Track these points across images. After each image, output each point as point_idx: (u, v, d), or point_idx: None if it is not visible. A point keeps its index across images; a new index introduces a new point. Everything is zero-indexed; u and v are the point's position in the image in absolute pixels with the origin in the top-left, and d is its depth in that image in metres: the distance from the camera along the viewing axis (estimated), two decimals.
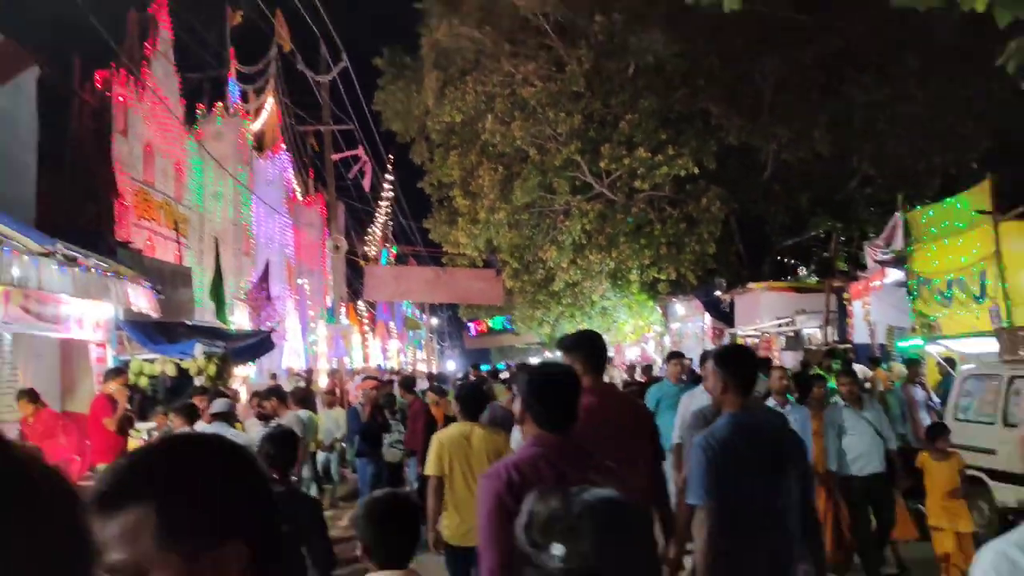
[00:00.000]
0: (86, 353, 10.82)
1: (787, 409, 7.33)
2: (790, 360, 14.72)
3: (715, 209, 19.26)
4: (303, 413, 10.32)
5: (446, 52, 21.60)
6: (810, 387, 8.43)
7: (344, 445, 12.74)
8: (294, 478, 9.37)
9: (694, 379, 8.87)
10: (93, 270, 9.27)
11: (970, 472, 7.48)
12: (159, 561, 1.17)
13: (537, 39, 20.58)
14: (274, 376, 16.52)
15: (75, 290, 8.95)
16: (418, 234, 37.01)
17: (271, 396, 9.89)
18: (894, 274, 13.35)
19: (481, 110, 20.68)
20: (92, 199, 13.94)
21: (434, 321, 59.72)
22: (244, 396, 13.33)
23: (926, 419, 9.77)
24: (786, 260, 23.53)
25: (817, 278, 20.21)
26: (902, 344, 12.73)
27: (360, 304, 34.50)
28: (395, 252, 40.87)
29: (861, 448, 7.36)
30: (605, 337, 22.54)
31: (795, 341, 16.95)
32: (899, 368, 11.32)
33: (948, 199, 12.28)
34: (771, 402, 7.40)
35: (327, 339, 25.57)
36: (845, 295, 16.10)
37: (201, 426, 7.40)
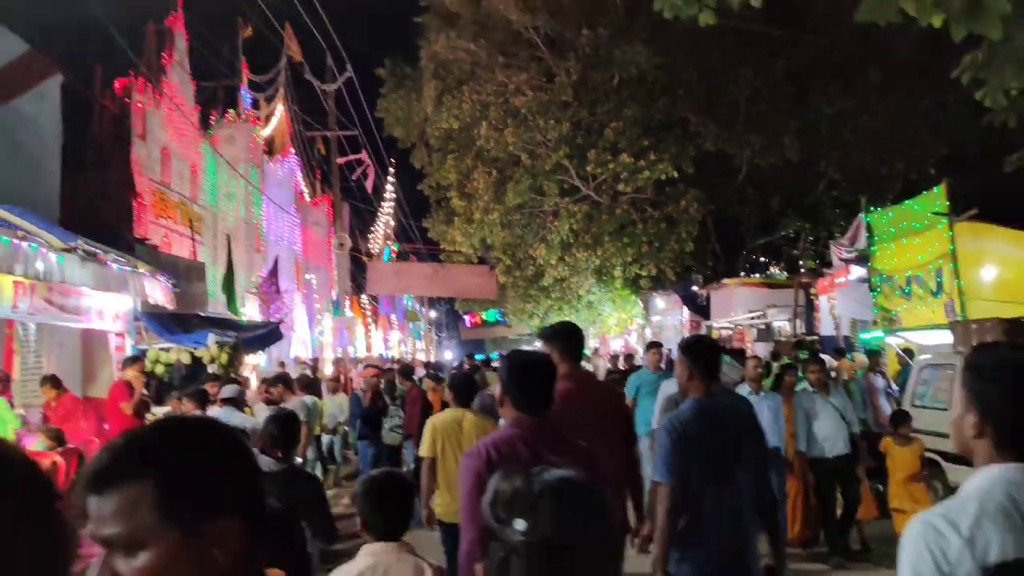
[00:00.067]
0: (106, 342, 10.77)
1: (761, 396, 7.33)
2: (761, 351, 14.73)
3: (693, 210, 19.31)
4: (308, 399, 10.29)
5: (444, 63, 21.56)
6: (782, 376, 8.45)
7: (347, 429, 12.71)
8: (299, 459, 9.37)
9: (672, 367, 8.87)
10: (112, 265, 9.24)
11: (927, 455, 7.50)
12: (158, 534, 1.16)
13: (528, 52, 20.56)
14: (282, 364, 16.48)
15: (95, 283, 8.93)
16: (418, 233, 36.94)
17: (278, 383, 9.86)
18: (857, 271, 13.36)
19: (476, 117, 20.64)
20: (112, 199, 13.88)
21: (432, 314, 59.70)
22: (254, 383, 13.29)
23: (886, 406, 9.79)
24: (758, 258, 23.57)
25: (787, 275, 20.24)
26: (864, 336, 12.76)
27: (363, 298, 34.41)
28: (396, 249, 40.76)
29: (827, 432, 7.37)
30: (591, 329, 22.84)
31: (766, 333, 16.98)
32: (861, 358, 11.33)
33: (907, 202, 12.28)
34: (746, 389, 7.41)
35: (332, 330, 25.58)
36: (812, 290, 16.12)
37: (212, 410, 7.37)
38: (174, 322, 11.76)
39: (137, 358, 9.73)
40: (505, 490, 1.34)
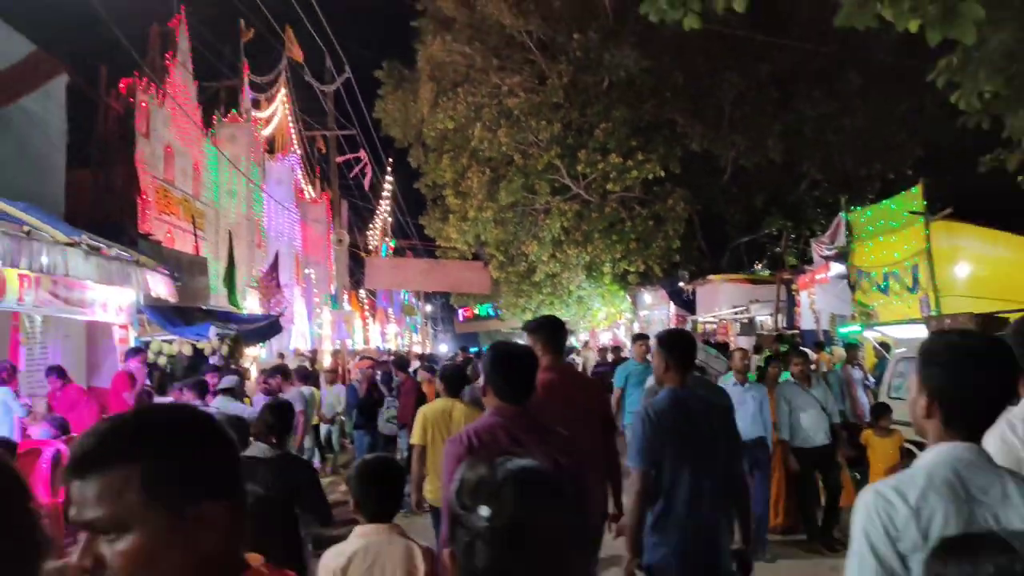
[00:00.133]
0: (110, 334, 10.73)
1: (746, 387, 7.33)
2: (744, 344, 14.75)
3: (680, 209, 19.36)
4: (305, 389, 10.28)
5: (440, 66, 21.51)
6: (766, 368, 8.47)
7: (344, 419, 12.70)
8: (301, 446, 9.36)
9: None
10: (115, 259, 9.19)
11: (905, 446, 7.50)
12: (143, 517, 1.14)
13: (521, 55, 20.53)
14: (282, 356, 16.44)
15: (99, 277, 8.88)
16: (414, 229, 36.91)
17: (276, 374, 9.84)
18: (837, 268, 13.37)
19: (471, 118, 20.61)
20: (116, 195, 13.81)
21: (428, 308, 59.61)
22: (254, 374, 13.27)
23: (863, 397, 9.81)
24: (743, 255, 23.61)
25: (769, 271, 20.25)
26: (843, 330, 12.77)
27: (361, 292, 34.39)
28: (393, 245, 40.73)
29: (809, 423, 7.38)
30: (581, 323, 22.80)
31: (749, 327, 16.99)
32: (840, 351, 11.35)
33: (885, 201, 12.30)
34: (731, 380, 7.41)
35: (331, 323, 25.54)
36: (794, 286, 16.15)
37: (211, 400, 7.35)
38: (176, 315, 11.72)
39: (139, 349, 9.71)
40: (470, 478, 1.36)
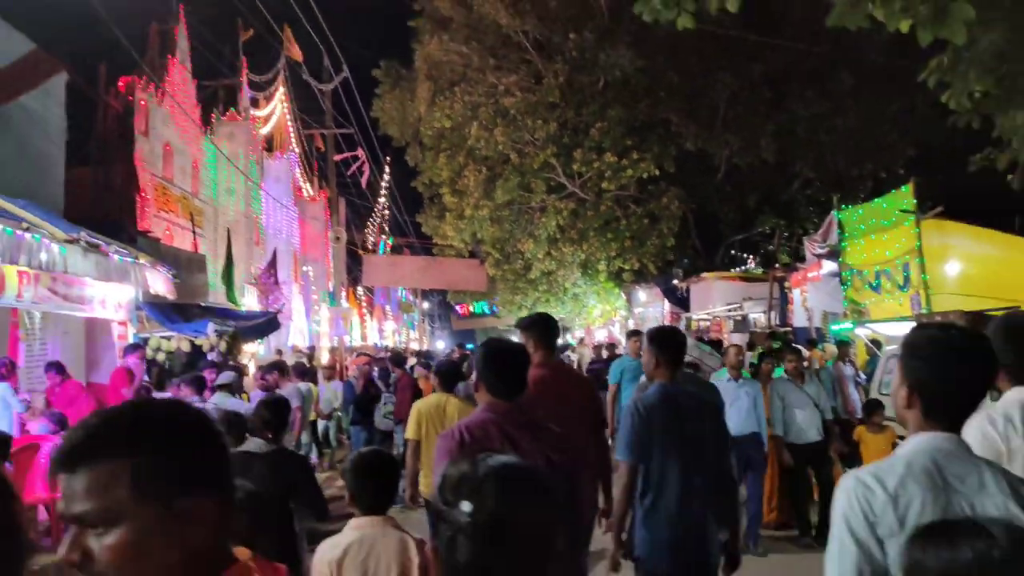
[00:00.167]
0: (109, 330, 10.70)
1: (739, 382, 7.33)
2: (737, 341, 14.75)
3: (674, 207, 19.37)
4: (303, 385, 10.26)
5: (437, 65, 21.48)
6: (760, 364, 8.47)
7: (341, 414, 12.68)
8: (299, 441, 9.35)
9: None
10: (114, 256, 9.16)
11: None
12: (132, 511, 1.13)
13: (518, 54, 20.51)
14: (280, 352, 16.42)
15: (98, 274, 8.85)
16: (411, 227, 36.90)
17: (273, 370, 9.81)
18: (829, 266, 13.38)
19: (468, 117, 20.58)
20: (115, 193, 13.77)
21: (425, 305, 59.59)
22: (252, 370, 13.24)
23: (854, 394, 9.81)
24: (736, 253, 23.63)
25: (762, 269, 20.28)
26: (835, 327, 12.77)
27: (359, 289, 34.36)
28: (391, 243, 40.69)
29: (801, 419, 7.38)
30: (576, 320, 22.81)
31: (742, 324, 17.00)
32: (831, 348, 11.35)
33: (876, 200, 12.30)
34: (725, 375, 7.41)
35: (329, 320, 25.51)
36: (786, 284, 16.15)
37: (208, 396, 7.33)
38: (175, 311, 11.69)
39: (137, 345, 9.68)
40: (452, 474, 1.38)
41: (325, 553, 2.87)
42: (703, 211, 21.42)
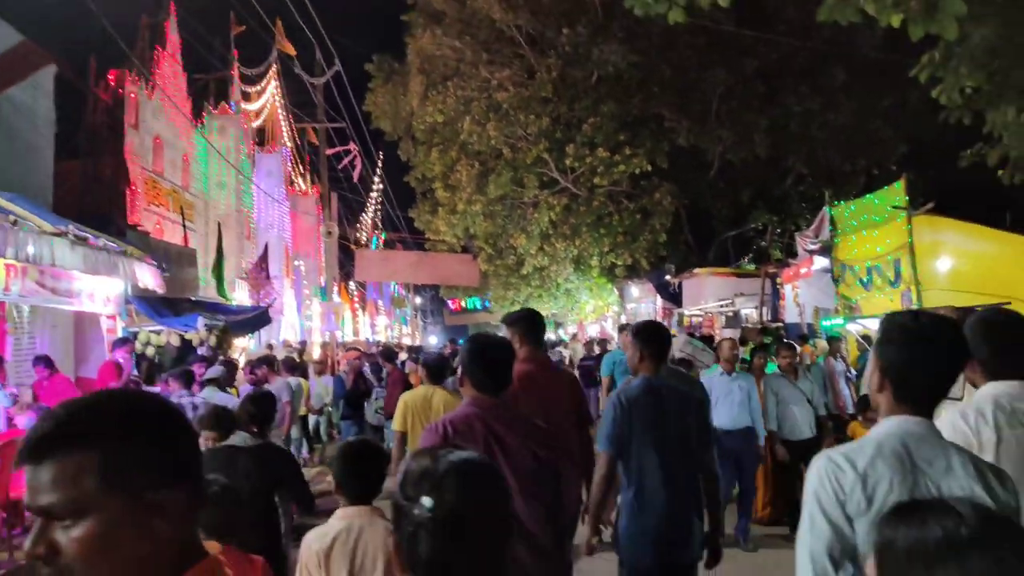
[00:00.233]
0: (98, 324, 10.64)
1: (732, 376, 7.32)
2: (729, 336, 14.79)
3: (667, 203, 19.37)
4: (292, 380, 10.21)
5: (430, 59, 21.40)
6: (752, 360, 8.48)
7: (331, 409, 12.64)
8: (289, 436, 9.32)
9: None
10: (102, 249, 9.11)
11: None
12: (99, 503, 1.11)
13: (511, 49, 20.45)
14: (270, 347, 16.37)
15: (86, 267, 8.80)
16: (404, 222, 36.81)
17: (262, 364, 9.78)
18: (821, 261, 13.38)
19: (460, 112, 20.54)
20: (105, 186, 13.70)
21: (418, 300, 59.54)
22: (243, 364, 13.19)
23: (845, 389, 9.83)
24: (729, 249, 23.66)
25: (754, 265, 20.31)
26: (826, 323, 12.80)
27: (351, 284, 34.29)
28: (383, 238, 40.62)
29: (795, 415, 7.38)
30: (569, 316, 22.82)
31: (734, 320, 17.03)
32: (822, 344, 11.38)
33: (868, 196, 12.31)
34: (718, 370, 7.40)
35: (320, 315, 25.45)
36: (778, 280, 16.16)
37: (197, 390, 7.30)
38: (165, 305, 11.65)
39: (126, 339, 9.63)
40: (413, 470, 1.40)
41: (312, 543, 2.86)
42: (696, 207, 21.43)
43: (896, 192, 10.94)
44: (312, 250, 28.61)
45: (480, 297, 37.79)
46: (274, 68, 24.47)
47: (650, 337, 3.86)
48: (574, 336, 27.76)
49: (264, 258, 19.61)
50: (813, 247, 13.50)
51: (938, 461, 1.81)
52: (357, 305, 35.42)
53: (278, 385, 8.81)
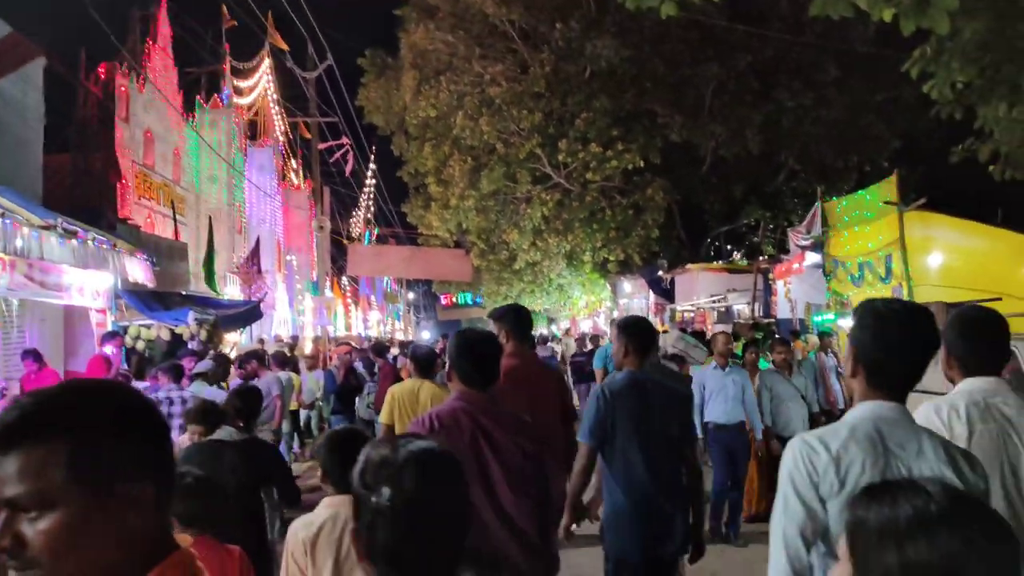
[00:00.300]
0: (87, 318, 10.57)
1: (726, 371, 7.31)
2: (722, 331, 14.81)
3: (659, 199, 19.36)
4: (283, 374, 10.16)
5: (423, 54, 21.36)
6: (743, 355, 8.48)
7: (322, 404, 12.61)
8: (279, 430, 9.27)
9: None
10: (91, 243, 9.05)
11: None
12: (67, 495, 1.08)
13: (504, 44, 20.42)
14: (261, 341, 16.32)
15: (75, 261, 8.74)
16: (397, 217, 36.77)
17: (251, 359, 9.73)
18: (812, 257, 13.39)
19: (453, 107, 20.50)
20: (95, 179, 13.62)
21: (411, 295, 59.50)
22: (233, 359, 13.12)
23: (836, 385, 9.85)
24: (722, 244, 23.69)
25: (746, 260, 20.33)
26: (817, 319, 12.82)
27: (344, 279, 34.21)
28: (376, 233, 40.54)
29: (789, 411, 7.38)
30: (561, 311, 22.84)
31: (726, 315, 17.04)
32: (813, 339, 11.40)
33: (860, 191, 12.33)
34: (712, 364, 7.40)
35: (312, 310, 25.36)
36: (770, 275, 16.18)
37: (186, 384, 7.26)
38: (155, 299, 11.58)
39: (115, 333, 9.58)
40: (373, 459, 1.41)
41: (298, 531, 2.84)
42: (688, 202, 21.44)
43: (888, 188, 10.95)
44: (304, 245, 28.53)
45: (473, 292, 37.77)
46: (266, 62, 24.36)
47: (635, 332, 3.89)
48: (567, 331, 27.75)
49: (256, 252, 19.55)
50: (805, 243, 13.50)
51: (910, 444, 1.86)
52: (350, 300, 35.36)
53: (267, 379, 8.76)
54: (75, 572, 1.10)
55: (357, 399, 10.49)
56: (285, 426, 10.77)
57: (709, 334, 12.06)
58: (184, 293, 13.22)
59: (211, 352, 10.52)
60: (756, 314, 15.48)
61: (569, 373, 14.83)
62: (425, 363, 5.67)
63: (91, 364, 8.84)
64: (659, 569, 3.69)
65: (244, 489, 3.64)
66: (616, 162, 18.65)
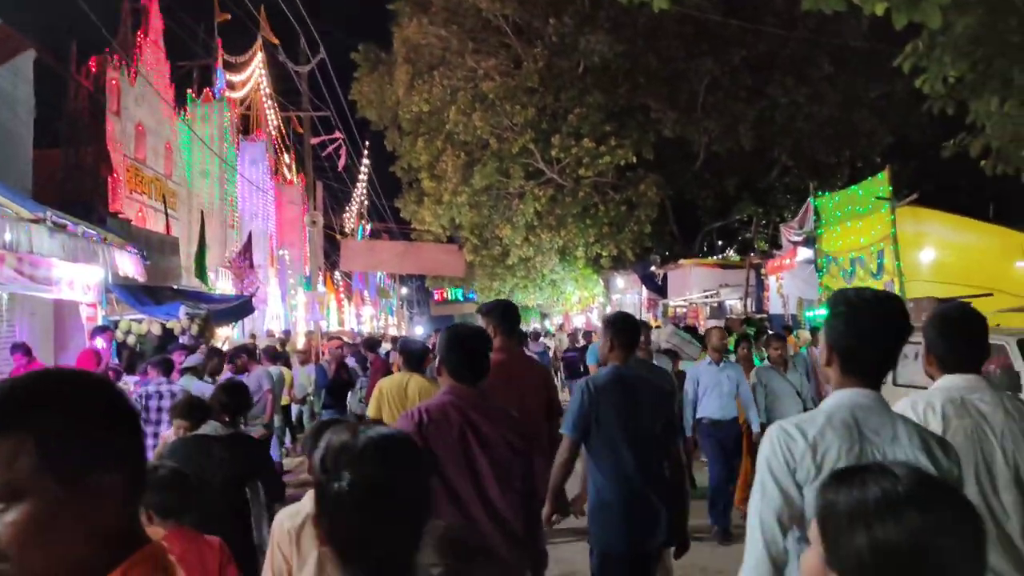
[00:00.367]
0: (78, 312, 10.52)
1: (721, 366, 7.29)
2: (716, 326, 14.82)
3: (652, 194, 19.37)
4: (273, 369, 10.10)
5: (416, 48, 21.31)
6: (736, 350, 8.47)
7: (314, 399, 12.56)
8: (271, 424, 9.24)
9: None
10: (81, 237, 8.99)
11: None
12: (36, 486, 1.06)
13: (497, 38, 20.38)
14: (253, 336, 16.27)
15: (65, 254, 8.68)
16: (390, 212, 36.70)
17: (241, 353, 9.68)
18: (805, 252, 13.42)
19: (446, 102, 20.47)
20: (86, 173, 13.53)
21: (404, 290, 59.42)
22: None
23: None
24: (715, 240, 23.71)
25: (739, 256, 20.36)
26: (809, 314, 12.84)
27: (336, 274, 34.14)
28: (369, 228, 40.45)
29: (784, 407, 7.35)
30: (554, 307, 22.88)
31: (718, 311, 17.08)
32: (805, 335, 11.41)
33: (852, 187, 12.34)
34: (706, 359, 7.38)
35: (305, 304, 25.32)
36: (763, 271, 16.22)
37: (176, 378, 7.22)
38: (146, 294, 11.52)
39: (104, 328, 9.52)
40: (333, 444, 1.40)
41: (284, 522, 2.81)
42: (681, 198, 21.46)
43: (880, 183, 10.96)
44: (297, 239, 28.44)
45: (464, 288, 37.74)
46: (259, 56, 24.25)
47: (620, 328, 3.91)
48: (560, 327, 27.77)
49: (248, 247, 19.48)
50: (797, 238, 13.52)
51: (885, 431, 1.90)
52: (343, 295, 35.29)
53: (257, 374, 8.71)
54: (44, 565, 1.07)
55: (349, 394, 10.45)
56: (277, 421, 10.74)
57: (702, 329, 12.06)
58: (175, 288, 13.15)
59: (203, 347, 10.47)
60: (748, 309, 15.51)
61: (562, 368, 14.81)
62: (414, 357, 5.64)
63: (81, 358, 8.79)
64: (644, 562, 3.71)
65: (229, 484, 3.62)
66: (609, 157, 18.66)
